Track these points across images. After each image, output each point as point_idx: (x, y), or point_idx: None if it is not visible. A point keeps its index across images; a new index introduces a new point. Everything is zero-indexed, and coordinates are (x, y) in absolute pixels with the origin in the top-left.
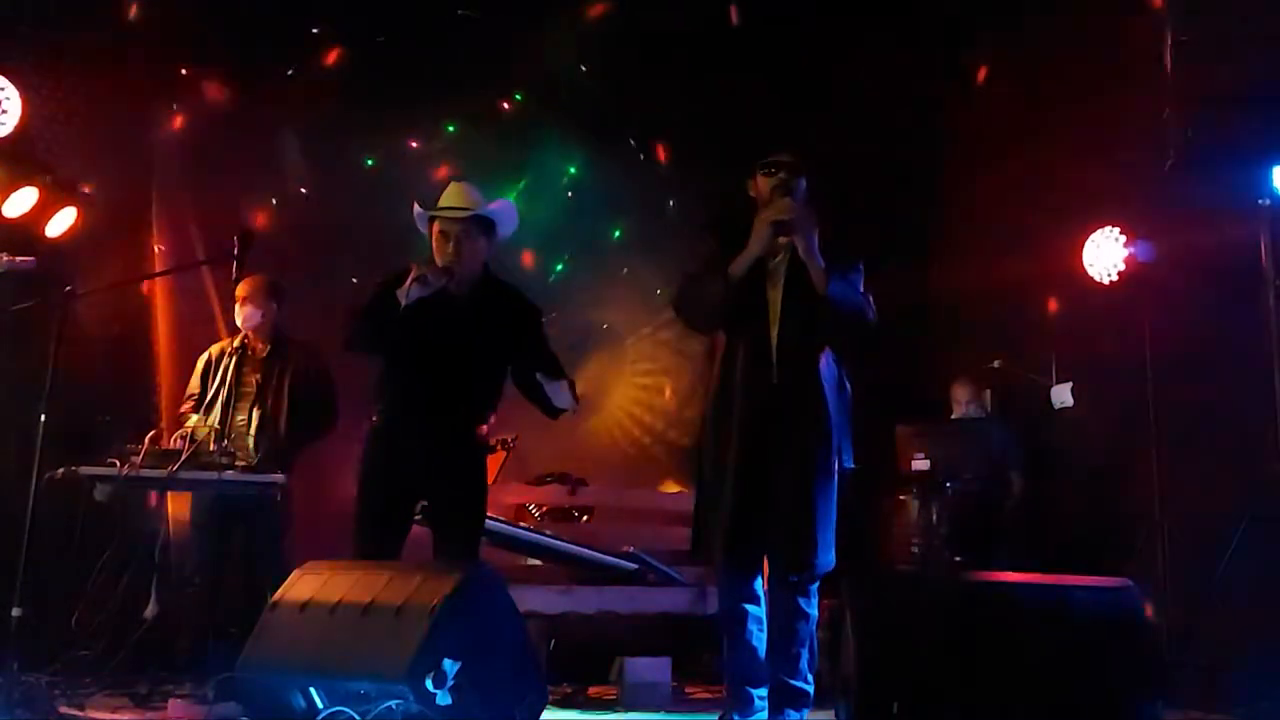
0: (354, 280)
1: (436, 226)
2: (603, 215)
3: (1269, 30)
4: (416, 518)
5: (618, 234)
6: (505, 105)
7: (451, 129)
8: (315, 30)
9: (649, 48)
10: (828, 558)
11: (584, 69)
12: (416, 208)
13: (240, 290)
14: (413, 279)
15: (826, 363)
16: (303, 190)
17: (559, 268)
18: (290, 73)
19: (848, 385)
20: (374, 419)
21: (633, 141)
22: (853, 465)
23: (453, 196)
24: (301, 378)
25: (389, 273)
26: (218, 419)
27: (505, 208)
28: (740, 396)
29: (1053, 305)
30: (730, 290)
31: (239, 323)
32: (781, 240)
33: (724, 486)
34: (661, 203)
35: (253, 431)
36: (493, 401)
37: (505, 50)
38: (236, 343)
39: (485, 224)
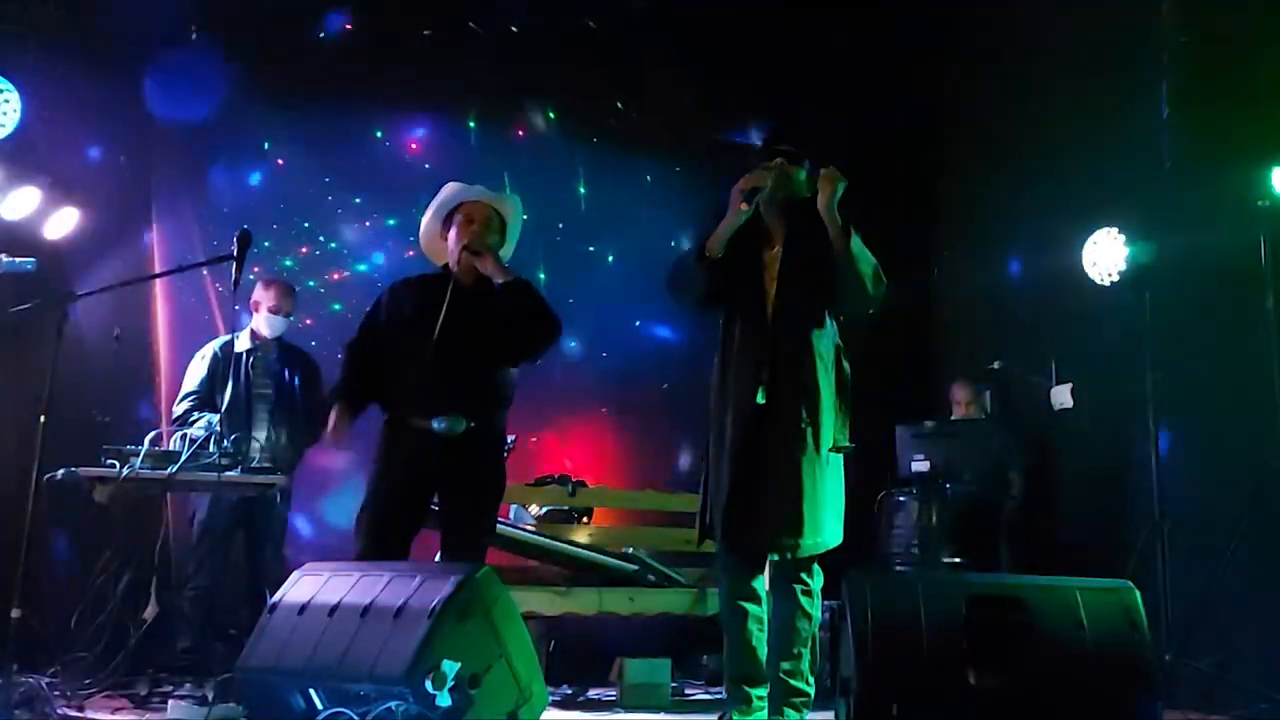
0: None
1: (459, 215)
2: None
3: (1269, 30)
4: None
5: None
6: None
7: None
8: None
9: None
10: (827, 535)
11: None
12: (450, 187)
13: (274, 298)
14: (464, 248)
15: (824, 342)
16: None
17: None
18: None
19: (846, 365)
20: (388, 414)
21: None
22: (850, 445)
23: (473, 190)
24: (307, 381)
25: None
26: (242, 421)
27: (517, 203)
28: (736, 388)
29: (1053, 306)
30: (707, 266)
31: (263, 329)
32: (742, 206)
33: (722, 478)
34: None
35: (273, 433)
36: (507, 391)
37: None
38: (246, 345)
39: (500, 221)
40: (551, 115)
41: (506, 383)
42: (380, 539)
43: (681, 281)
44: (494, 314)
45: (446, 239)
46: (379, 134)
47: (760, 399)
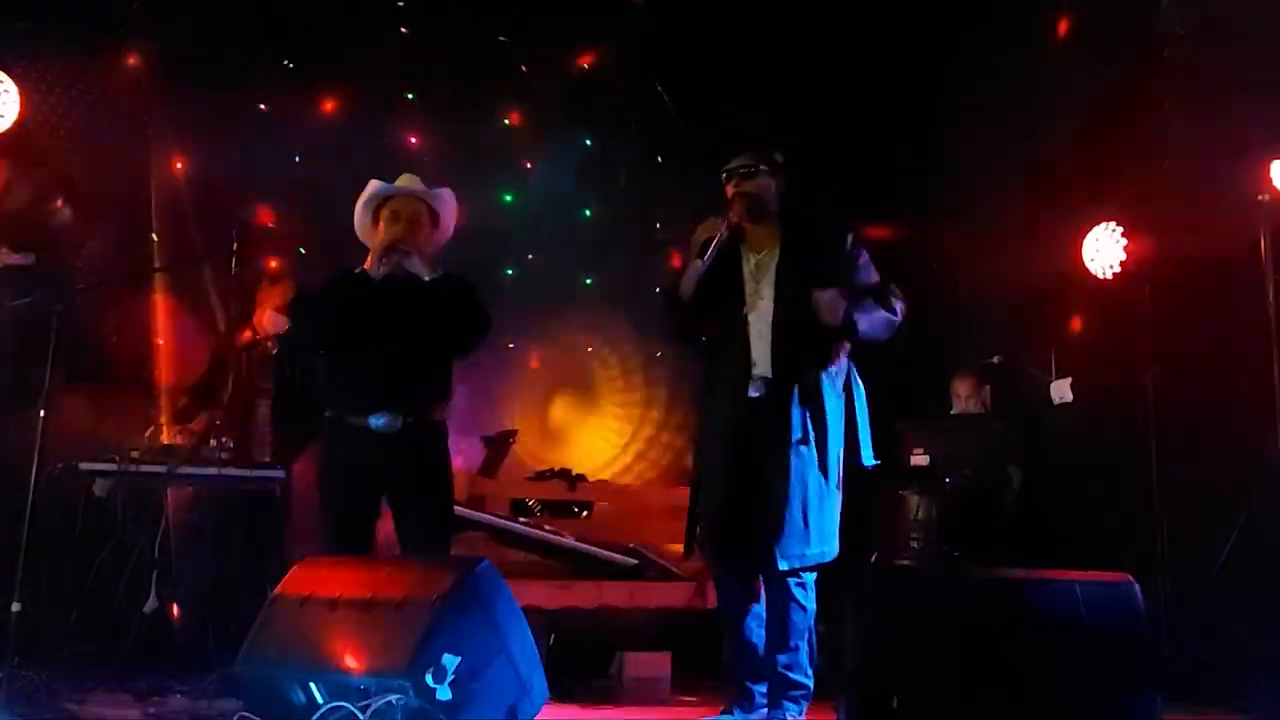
0: None
1: (386, 210)
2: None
3: (1269, 24)
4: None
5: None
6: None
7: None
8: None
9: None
10: (823, 548)
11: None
12: (374, 185)
13: (281, 297)
14: (385, 249)
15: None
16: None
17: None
18: (290, 66)
19: (859, 381)
20: (327, 414)
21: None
22: (874, 462)
23: (404, 182)
24: (308, 376)
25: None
26: (242, 416)
27: (447, 194)
28: (725, 403)
29: (1053, 301)
30: (681, 308)
31: (268, 327)
32: (697, 263)
33: (712, 490)
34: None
35: (272, 428)
36: (444, 386)
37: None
38: (246, 340)
39: (432, 212)
40: (550, 109)
41: (443, 376)
42: (343, 539)
43: (666, 321)
44: (425, 309)
45: (378, 232)
46: (378, 129)
47: (752, 410)
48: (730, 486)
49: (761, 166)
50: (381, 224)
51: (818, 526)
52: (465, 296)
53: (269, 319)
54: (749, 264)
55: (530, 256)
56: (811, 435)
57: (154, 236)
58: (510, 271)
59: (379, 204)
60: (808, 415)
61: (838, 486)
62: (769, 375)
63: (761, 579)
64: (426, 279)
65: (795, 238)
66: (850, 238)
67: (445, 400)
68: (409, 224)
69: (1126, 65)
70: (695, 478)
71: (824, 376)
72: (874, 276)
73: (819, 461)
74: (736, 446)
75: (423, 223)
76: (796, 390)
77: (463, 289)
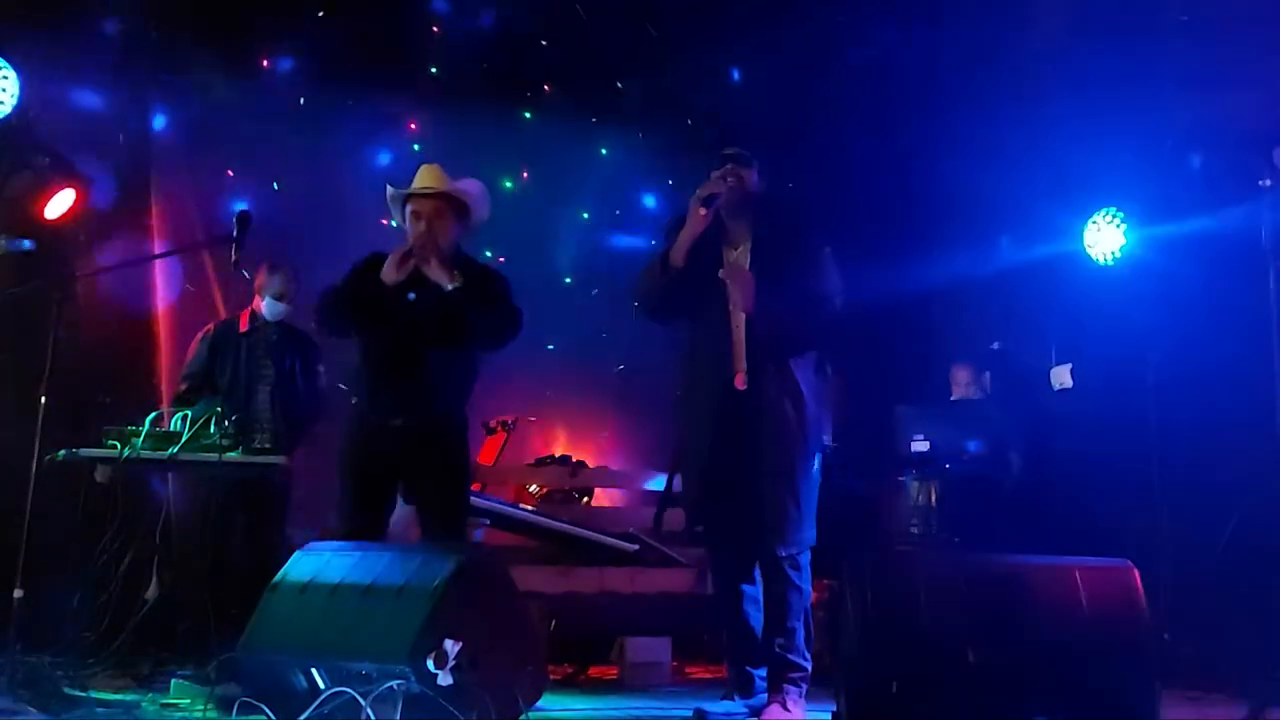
0: None
1: (409, 210)
2: None
3: (1269, 9)
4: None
5: None
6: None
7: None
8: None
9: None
10: (808, 534)
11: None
12: (389, 190)
13: (279, 283)
14: (402, 257)
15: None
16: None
17: None
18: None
19: (827, 367)
20: (353, 402)
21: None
22: (829, 444)
23: (423, 177)
24: (308, 363)
25: (359, 259)
26: (242, 402)
27: (474, 186)
28: (705, 387)
29: (1053, 287)
30: (671, 277)
31: (265, 313)
32: (701, 212)
33: (696, 476)
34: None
35: (273, 414)
36: (469, 380)
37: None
38: (246, 326)
39: (457, 205)
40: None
41: (467, 373)
42: (355, 525)
43: (648, 294)
44: (447, 318)
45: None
46: (377, 117)
47: (736, 399)
48: (716, 473)
49: (755, 159)
50: (409, 223)
51: (808, 512)
52: (491, 297)
53: (268, 305)
54: (729, 258)
55: None
56: (793, 424)
57: (154, 223)
58: None
59: (402, 205)
60: (788, 404)
61: (818, 472)
62: (750, 364)
63: (757, 563)
64: (448, 288)
65: (767, 232)
66: (818, 238)
67: (467, 396)
68: (430, 224)
69: (1128, 47)
70: (675, 463)
71: (796, 365)
72: (829, 281)
73: (803, 449)
74: (721, 434)
75: (446, 218)
76: (777, 379)
77: (487, 288)
